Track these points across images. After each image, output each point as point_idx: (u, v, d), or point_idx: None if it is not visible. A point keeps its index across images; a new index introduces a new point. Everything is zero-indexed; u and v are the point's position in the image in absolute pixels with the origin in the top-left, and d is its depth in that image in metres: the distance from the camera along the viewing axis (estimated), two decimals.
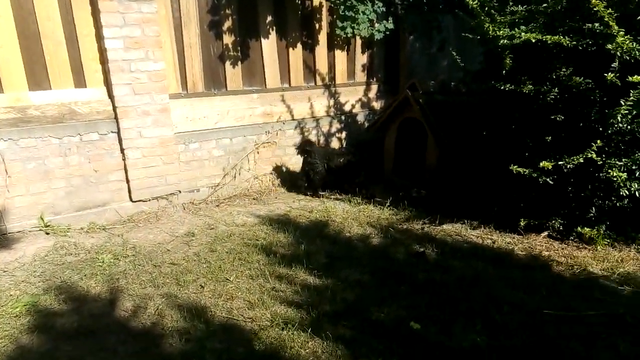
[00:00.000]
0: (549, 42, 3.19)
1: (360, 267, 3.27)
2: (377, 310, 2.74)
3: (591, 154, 3.21)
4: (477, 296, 2.94)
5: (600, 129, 3.30)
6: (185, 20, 4.34)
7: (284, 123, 5.09)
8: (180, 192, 4.48)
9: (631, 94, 2.88)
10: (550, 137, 3.43)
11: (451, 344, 2.44)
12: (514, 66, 3.50)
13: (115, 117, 4.05)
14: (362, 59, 5.66)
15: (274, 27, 4.86)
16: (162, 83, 4.18)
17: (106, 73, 4.01)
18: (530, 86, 3.43)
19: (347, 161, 4.90)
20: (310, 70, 5.25)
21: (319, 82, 5.34)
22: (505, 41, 3.30)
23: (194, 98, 4.51)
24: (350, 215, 4.34)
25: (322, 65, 5.32)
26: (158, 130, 4.23)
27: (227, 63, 4.65)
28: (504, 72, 3.55)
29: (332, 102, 5.49)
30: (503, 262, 3.45)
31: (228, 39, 4.60)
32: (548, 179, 3.50)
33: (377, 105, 5.87)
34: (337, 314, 2.70)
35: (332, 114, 5.52)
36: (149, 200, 4.32)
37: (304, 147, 4.85)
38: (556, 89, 3.29)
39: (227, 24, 4.56)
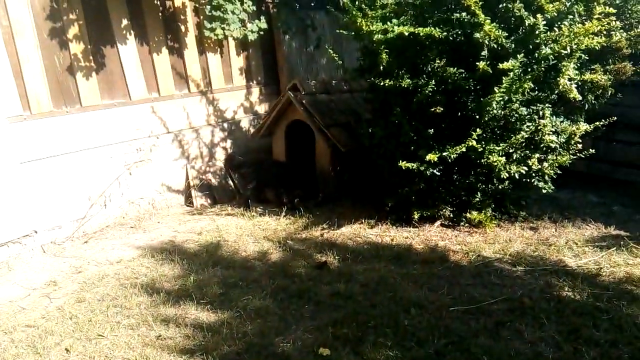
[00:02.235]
0: (421, 34, 3.16)
1: (260, 291, 2.96)
2: (282, 341, 2.46)
3: (472, 142, 3.27)
4: (383, 302, 2.81)
5: (477, 117, 3.38)
6: (17, 28, 3.61)
7: (157, 137, 4.56)
8: (36, 232, 3.74)
9: (504, 81, 2.96)
10: (432, 130, 3.43)
11: None
12: (390, 61, 3.44)
13: None
14: (238, 61, 5.31)
15: (132, 32, 4.30)
16: None
17: None
18: (408, 80, 3.40)
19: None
20: (181, 76, 4.77)
21: (194, 89, 4.89)
22: (379, 36, 3.22)
23: (41, 119, 3.79)
24: (244, 231, 3.99)
25: (194, 70, 4.87)
26: None
27: (79, 75, 3.99)
28: (381, 67, 3.47)
29: (211, 109, 5.07)
30: (403, 259, 3.39)
31: (76, 48, 3.95)
32: (435, 171, 3.52)
33: (261, 109, 5.58)
34: (238, 354, 2.36)
35: (212, 122, 5.09)
36: None
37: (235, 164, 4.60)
38: (433, 81, 3.29)
39: (73, 30, 3.91)
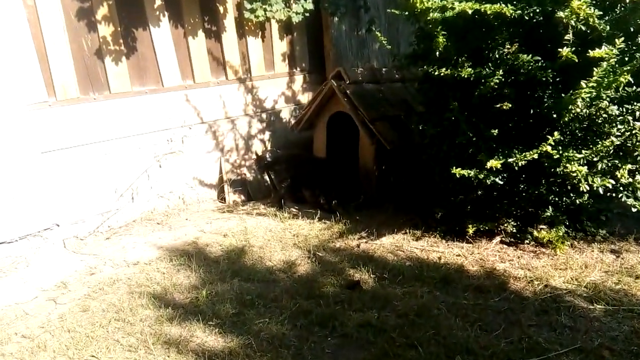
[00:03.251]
0: (488, 12, 2.56)
1: (278, 314, 2.56)
2: None
3: (546, 147, 2.64)
4: (422, 341, 2.30)
5: (555, 116, 2.74)
6: (43, 9, 3.39)
7: (190, 128, 4.26)
8: (58, 225, 3.57)
9: (595, 73, 2.31)
10: (496, 130, 2.84)
11: None
12: (448, 45, 2.86)
13: None
14: (281, 46, 4.89)
15: (165, 13, 3.99)
16: (12, 89, 3.24)
17: None
18: (469, 69, 2.81)
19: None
20: (218, 62, 4.43)
21: (232, 76, 4.53)
22: (436, 14, 2.65)
23: (67, 106, 3.58)
24: (273, 235, 3.61)
25: (232, 55, 4.51)
26: (13, 150, 3.29)
27: (108, 59, 3.75)
28: (437, 53, 2.91)
29: (249, 98, 4.70)
30: (452, 284, 2.85)
31: (105, 30, 3.69)
32: (497, 179, 2.93)
33: (304, 98, 5.15)
34: None
35: (250, 112, 4.73)
36: (15, 241, 3.38)
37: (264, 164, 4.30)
38: (500, 70, 2.68)
39: (102, 11, 3.65)
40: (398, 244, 3.42)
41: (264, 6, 4.24)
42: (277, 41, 4.83)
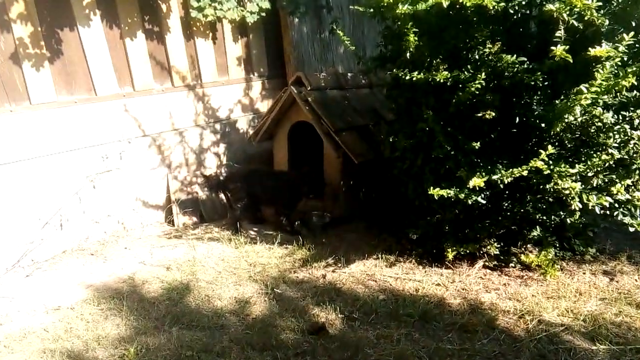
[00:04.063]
0: (467, 4, 2.17)
1: None
2: None
3: (537, 163, 2.27)
4: None
5: (544, 125, 2.39)
6: None
7: (129, 142, 3.72)
8: None
9: (598, 76, 1.94)
10: (478, 143, 2.45)
11: None
12: (420, 45, 2.47)
13: None
14: (235, 49, 4.42)
15: (97, 11, 3.46)
16: None
17: None
18: (446, 72, 2.42)
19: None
20: (162, 67, 3.92)
21: (179, 83, 4.02)
22: (406, 8, 2.24)
23: None
24: (226, 266, 3.12)
25: (179, 59, 4.00)
26: None
27: (27, 65, 3.18)
28: (408, 54, 2.51)
29: (200, 107, 4.20)
30: (433, 323, 2.45)
31: (22, 30, 3.13)
32: (479, 198, 2.55)
33: (263, 106, 4.68)
34: None
35: (202, 122, 4.23)
36: None
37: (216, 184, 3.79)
38: (482, 74, 2.30)
39: (18, 8, 3.09)
40: (369, 272, 2.99)
41: (213, 4, 3.77)
42: (230, 44, 4.35)
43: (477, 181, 2.35)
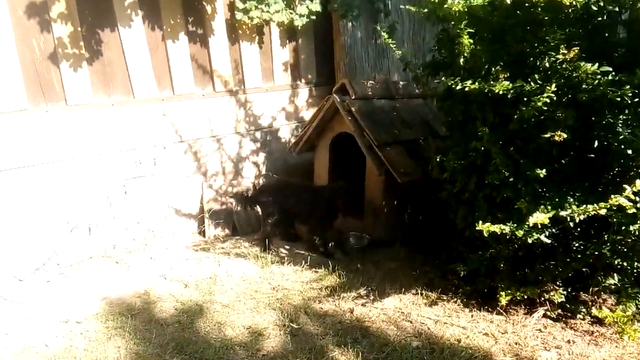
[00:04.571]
0: (537, 1, 1.75)
1: None
2: None
3: (618, 199, 1.79)
4: None
5: (630, 152, 1.89)
6: None
7: (164, 148, 3.59)
8: None
9: None
10: (544, 170, 1.99)
11: None
12: (477, 49, 2.07)
13: None
14: (282, 54, 4.19)
15: (139, 11, 3.36)
16: None
17: None
18: (507, 82, 2.00)
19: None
20: (204, 71, 3.77)
21: (220, 88, 3.86)
22: (458, 2, 1.85)
23: (11, 117, 2.98)
24: (247, 287, 2.86)
25: (222, 63, 3.83)
26: None
27: (65, 65, 3.13)
28: (461, 59, 2.11)
29: (241, 114, 4.01)
30: None
31: (62, 30, 3.09)
32: (542, 236, 2.08)
33: (308, 115, 4.40)
34: None
35: (242, 130, 4.03)
36: None
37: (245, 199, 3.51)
38: (552, 85, 1.86)
39: (58, 7, 3.05)
40: (405, 310, 2.60)
41: (259, 6, 3.57)
42: (277, 48, 4.14)
43: (539, 217, 1.90)
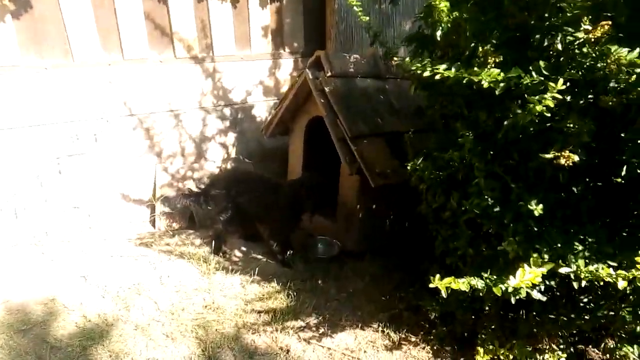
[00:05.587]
0: None
1: None
2: None
3: None
4: None
5: None
6: None
7: (107, 121, 3.06)
8: None
9: None
10: (541, 205, 1.36)
11: None
12: (459, 19, 1.40)
13: None
14: (262, 16, 3.54)
15: None
16: None
17: None
18: (496, 70, 1.34)
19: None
20: (162, 32, 3.17)
21: (182, 53, 3.27)
22: None
23: None
24: (175, 302, 2.36)
25: (185, 24, 3.23)
26: None
27: None
28: (438, 33, 1.46)
29: (208, 85, 3.42)
30: None
31: None
32: (535, 292, 1.48)
33: None
34: None
35: (208, 105, 3.46)
36: None
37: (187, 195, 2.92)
38: (561, 79, 1.20)
39: None
40: (357, 354, 2.05)
41: None
42: (256, 9, 3.48)
43: (528, 274, 1.29)
